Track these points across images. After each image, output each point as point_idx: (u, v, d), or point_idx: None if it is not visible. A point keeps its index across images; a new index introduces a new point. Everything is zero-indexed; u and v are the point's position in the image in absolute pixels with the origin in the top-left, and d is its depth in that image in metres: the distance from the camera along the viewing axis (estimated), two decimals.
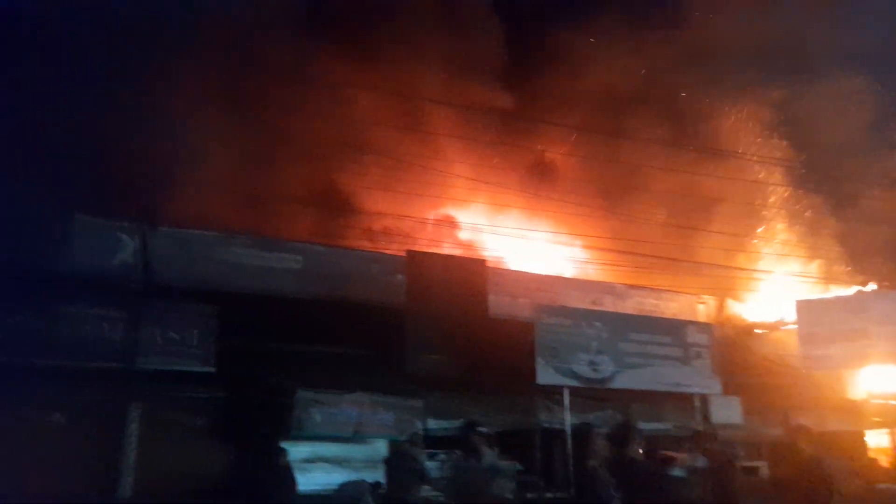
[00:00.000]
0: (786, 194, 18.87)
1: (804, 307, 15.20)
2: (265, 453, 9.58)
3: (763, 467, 12.38)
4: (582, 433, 8.72)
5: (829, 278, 17.27)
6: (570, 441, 11.06)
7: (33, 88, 10.70)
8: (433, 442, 10.83)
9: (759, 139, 19.50)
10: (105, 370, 9.12)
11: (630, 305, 14.34)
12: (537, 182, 17.62)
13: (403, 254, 12.58)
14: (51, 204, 9.91)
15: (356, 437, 10.15)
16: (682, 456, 9.17)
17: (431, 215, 16.93)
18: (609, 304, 14.01)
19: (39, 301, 9.16)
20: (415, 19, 18.84)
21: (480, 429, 5.88)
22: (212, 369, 9.95)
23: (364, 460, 10.18)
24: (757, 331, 16.21)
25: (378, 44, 18.15)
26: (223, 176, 14.00)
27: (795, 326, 15.13)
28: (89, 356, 9.22)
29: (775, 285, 16.71)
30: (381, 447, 10.14)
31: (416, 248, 14.70)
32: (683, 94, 19.66)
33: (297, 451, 9.38)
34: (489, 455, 5.73)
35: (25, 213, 9.40)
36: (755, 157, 19.06)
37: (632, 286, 14.70)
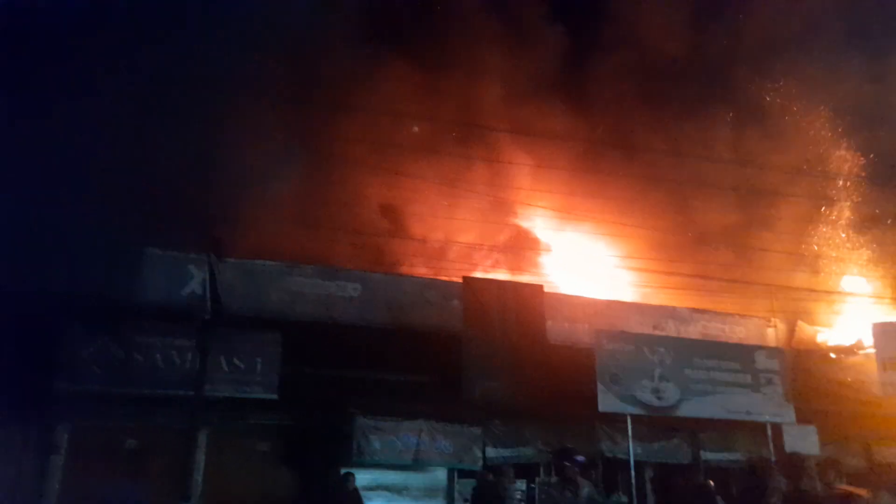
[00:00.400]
0: (859, 210, 17.97)
1: (882, 330, 14.35)
2: (327, 479, 9.72)
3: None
4: (759, 468, 8.32)
5: None
6: (633, 471, 10.75)
7: (106, 132, 11.30)
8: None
9: (829, 153, 18.76)
10: (174, 397, 9.46)
11: (694, 330, 13.89)
12: (597, 203, 17.40)
13: (460, 279, 12.61)
14: (123, 239, 10.42)
15: (416, 465, 10.14)
16: (863, 492, 8.54)
17: (488, 240, 16.93)
18: (672, 329, 13.61)
19: (113, 331, 9.62)
20: (472, 41, 19.17)
21: (577, 457, 5.32)
22: (274, 396, 10.19)
23: (423, 489, 10.17)
24: (832, 355, 15.42)
25: (436, 68, 18.49)
26: (285, 207, 14.40)
27: (873, 350, 14.33)
28: (160, 383, 9.61)
29: (850, 307, 15.90)
30: (440, 476, 10.12)
31: (474, 273, 14.77)
32: (739, 115, 19.09)
33: (357, 478, 9.47)
34: (587, 486, 5.21)
35: (100, 249, 9.91)
36: (826, 172, 18.32)
37: (695, 310, 14.24)
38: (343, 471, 9.35)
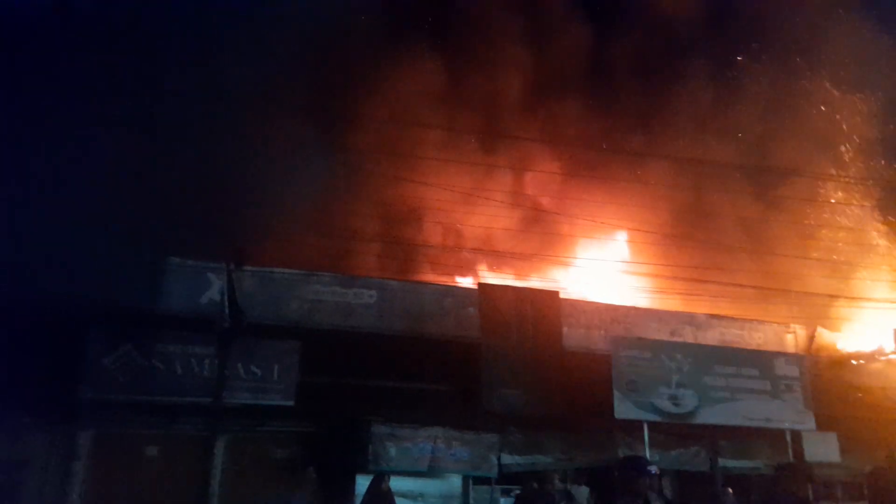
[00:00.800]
0: (880, 212, 17.72)
1: None
2: (344, 485, 9.79)
3: None
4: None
5: None
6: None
7: (127, 142, 11.50)
8: (509, 478, 10.74)
9: (848, 156, 18.54)
10: (194, 405, 9.59)
11: (712, 336, 13.75)
12: (613, 209, 17.34)
13: (476, 286, 12.64)
14: (145, 248, 10.60)
15: (431, 472, 10.17)
16: None
17: (506, 246, 16.94)
18: (689, 335, 13.49)
19: (135, 340, 9.79)
20: (491, 47, 19.27)
21: (650, 468, 4.59)
22: (292, 403, 10.28)
23: (439, 496, 10.19)
24: (853, 361, 15.19)
25: (454, 75, 18.60)
26: (304, 215, 14.52)
27: (895, 356, 14.13)
28: (180, 391, 9.76)
29: (870, 312, 15.65)
30: (456, 483, 10.15)
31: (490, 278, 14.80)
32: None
33: None
34: (659, 502, 4.62)
35: (121, 258, 10.09)
36: (844, 176, 18.09)
37: (713, 316, 14.12)
38: (377, 471, 9.28)
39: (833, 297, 15.16)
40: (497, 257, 16.47)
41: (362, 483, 9.67)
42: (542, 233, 17.29)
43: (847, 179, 17.85)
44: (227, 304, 9.31)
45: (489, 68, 19.33)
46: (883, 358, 14.82)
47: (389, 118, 16.63)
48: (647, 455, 10.84)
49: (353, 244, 15.38)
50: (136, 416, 9.72)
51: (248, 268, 11.51)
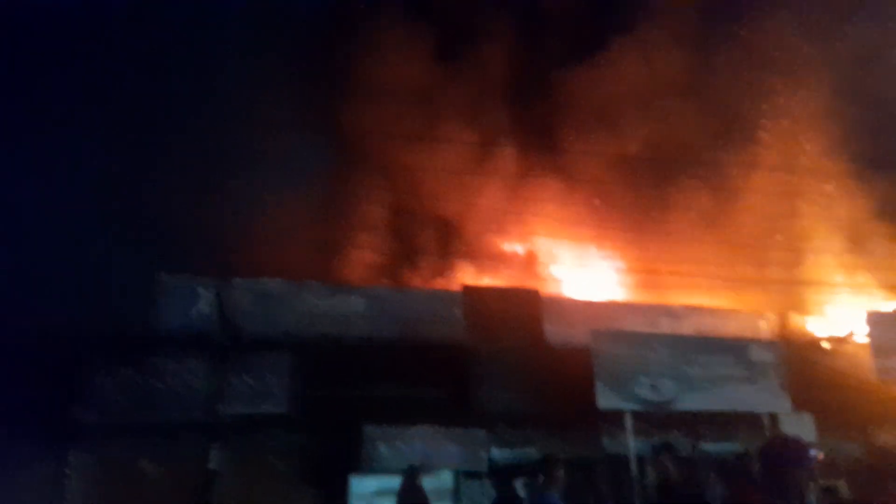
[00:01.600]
0: (845, 201, 18.19)
1: (876, 319, 14.62)
2: (337, 487, 10.11)
3: (842, 486, 12.01)
4: None
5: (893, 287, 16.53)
6: (634, 467, 11.10)
7: (118, 168, 11.79)
8: (498, 472, 11.11)
9: (814, 147, 18.98)
10: (189, 419, 9.84)
11: (688, 326, 14.22)
12: (585, 207, 17.70)
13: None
14: (135, 267, 10.90)
15: (424, 470, 10.50)
16: None
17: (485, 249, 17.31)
18: (666, 326, 13.96)
19: (128, 359, 10.04)
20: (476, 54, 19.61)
21: (811, 452, 3.62)
22: (289, 414, 10.56)
23: (431, 491, 10.48)
24: (825, 345, 15.69)
25: (441, 85, 18.94)
26: (291, 225, 14.84)
27: (867, 339, 14.62)
28: (176, 409, 10.00)
29: (839, 296, 16.15)
30: (447, 478, 10.50)
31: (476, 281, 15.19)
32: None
33: (365, 484, 9.86)
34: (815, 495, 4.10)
35: (112, 278, 10.37)
36: (810, 167, 18.55)
37: (688, 307, 14.60)
38: (409, 466, 9.46)
39: (803, 283, 15.64)
40: (477, 258, 16.85)
41: (356, 483, 10.01)
42: (514, 233, 17.68)
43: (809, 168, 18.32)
44: (220, 318, 9.61)
45: (474, 65, 19.63)
46: (854, 340, 15.31)
47: (379, 129, 16.92)
48: (630, 443, 11.25)
49: (344, 252, 15.71)
50: (134, 435, 9.83)
51: (239, 280, 11.83)
